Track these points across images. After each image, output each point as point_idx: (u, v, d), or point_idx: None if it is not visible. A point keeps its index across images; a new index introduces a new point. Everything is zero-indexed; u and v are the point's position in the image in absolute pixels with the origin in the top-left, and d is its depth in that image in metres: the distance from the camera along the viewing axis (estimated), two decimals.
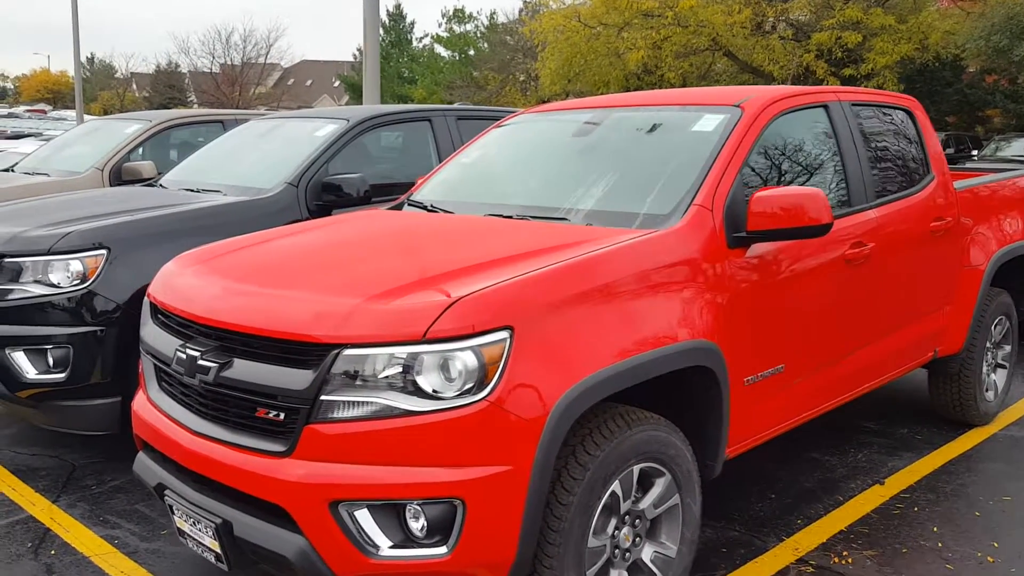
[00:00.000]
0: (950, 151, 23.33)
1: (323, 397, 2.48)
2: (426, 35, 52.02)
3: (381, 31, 52.53)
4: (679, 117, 3.75)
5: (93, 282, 4.28)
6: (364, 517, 2.48)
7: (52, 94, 70.54)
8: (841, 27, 24.50)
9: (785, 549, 3.63)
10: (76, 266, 4.29)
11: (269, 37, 73.23)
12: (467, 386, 2.43)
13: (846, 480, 4.35)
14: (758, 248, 3.29)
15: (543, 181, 3.82)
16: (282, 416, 2.59)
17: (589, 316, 2.67)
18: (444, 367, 2.44)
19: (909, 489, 4.24)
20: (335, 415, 2.48)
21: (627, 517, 2.84)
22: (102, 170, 6.85)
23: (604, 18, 28.50)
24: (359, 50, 55.32)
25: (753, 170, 3.46)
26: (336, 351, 2.47)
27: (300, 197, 5.06)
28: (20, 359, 4.30)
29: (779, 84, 25.48)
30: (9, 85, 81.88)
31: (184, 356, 2.82)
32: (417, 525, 2.48)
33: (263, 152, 5.73)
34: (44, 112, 39.56)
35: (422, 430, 2.43)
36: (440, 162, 5.71)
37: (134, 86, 70.33)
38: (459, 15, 48.69)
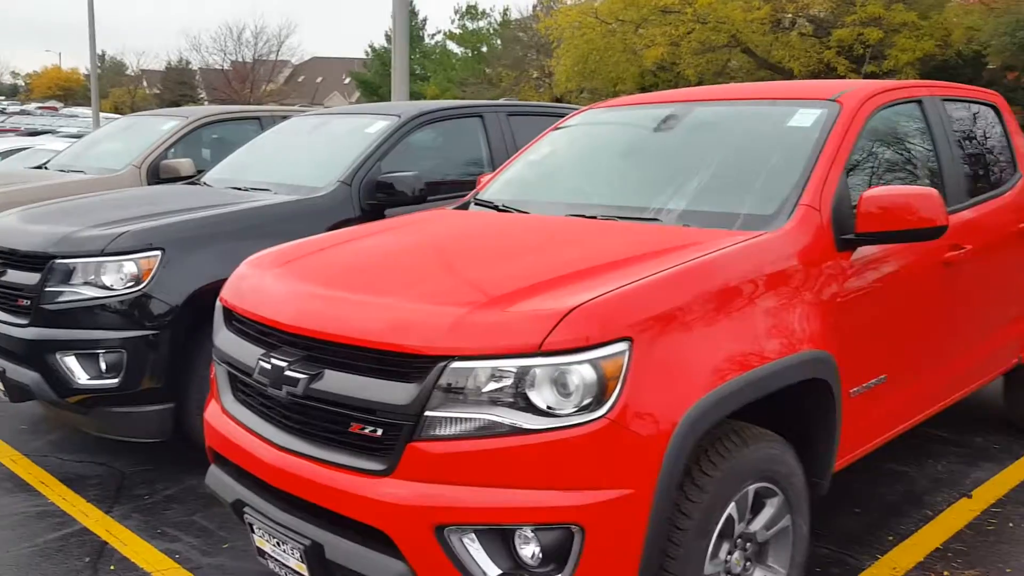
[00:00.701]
0: None
1: (428, 413, 2.31)
2: (438, 32, 51.81)
3: (393, 27, 52.45)
4: (770, 112, 3.56)
5: (147, 284, 4.12)
6: (471, 543, 2.31)
7: (63, 91, 70.57)
8: (862, 23, 24.26)
9: (882, 568, 3.45)
10: (130, 268, 4.12)
11: (280, 34, 73.08)
12: (585, 402, 2.25)
13: (930, 493, 4.16)
14: (863, 251, 3.10)
15: (626, 179, 3.64)
16: (380, 432, 2.41)
17: (708, 325, 2.49)
18: (559, 382, 2.26)
19: (999, 503, 4.05)
20: (440, 432, 2.31)
21: (738, 540, 2.66)
22: (140, 167, 6.69)
23: (621, 14, 28.32)
24: (371, 47, 55.12)
25: (855, 168, 3.27)
26: (442, 364, 2.29)
27: (353, 196, 4.89)
28: (71, 363, 4.14)
29: (796, 77, 25.27)
30: (20, 82, 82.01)
31: (269, 366, 2.65)
32: (528, 552, 2.30)
33: (312, 149, 5.55)
34: (56, 109, 39.53)
35: (535, 449, 2.25)
36: (491, 159, 5.54)
37: (145, 83, 70.37)
38: (472, 11, 48.49)
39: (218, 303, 3.16)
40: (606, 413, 2.24)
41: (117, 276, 4.13)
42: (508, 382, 2.27)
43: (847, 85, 3.54)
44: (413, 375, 2.34)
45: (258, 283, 2.98)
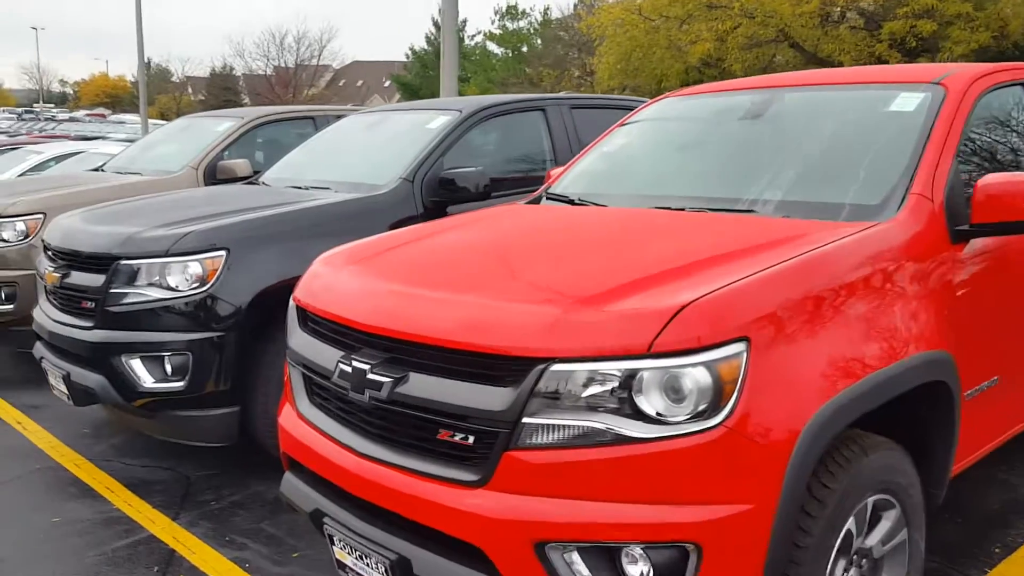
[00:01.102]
0: None
1: (525, 420, 2.15)
2: (479, 32, 51.75)
3: (432, 29, 52.58)
4: (866, 97, 3.35)
5: (213, 285, 4.02)
6: (574, 561, 2.14)
7: (110, 98, 71.85)
8: (915, 16, 23.69)
9: None
10: (195, 268, 4.03)
11: (322, 39, 73.65)
12: (699, 408, 2.07)
13: None
14: (976, 243, 2.89)
15: (713, 169, 3.45)
16: (471, 440, 2.26)
17: (827, 324, 2.29)
18: (671, 386, 2.08)
19: None
20: (539, 440, 2.15)
21: (855, 557, 2.46)
22: (196, 169, 6.63)
23: (665, 10, 27.98)
24: (411, 50, 55.36)
25: (965, 155, 3.05)
26: (542, 366, 2.13)
27: (416, 193, 4.75)
28: (137, 366, 4.06)
29: None
30: (69, 90, 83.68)
31: (349, 369, 2.51)
32: (636, 572, 2.12)
33: (371, 147, 5.43)
34: (103, 116, 40.19)
35: (644, 460, 2.08)
36: (554, 154, 5.38)
37: (189, 89, 71.44)
38: (512, 12, 48.39)
39: (292, 303, 3.03)
40: (723, 421, 2.06)
41: (182, 277, 4.04)
42: (614, 386, 2.10)
43: (947, 68, 3.32)
44: (508, 379, 2.18)
45: (334, 282, 2.85)
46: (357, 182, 4.89)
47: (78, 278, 4.30)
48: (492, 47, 49.39)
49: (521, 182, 5.37)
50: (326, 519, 2.64)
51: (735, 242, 2.62)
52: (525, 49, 46.56)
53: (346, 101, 63.69)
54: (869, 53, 25.18)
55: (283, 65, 60.97)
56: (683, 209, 3.13)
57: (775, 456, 2.10)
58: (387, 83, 67.17)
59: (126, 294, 4.09)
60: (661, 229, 2.95)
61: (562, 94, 6.48)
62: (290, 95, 57.27)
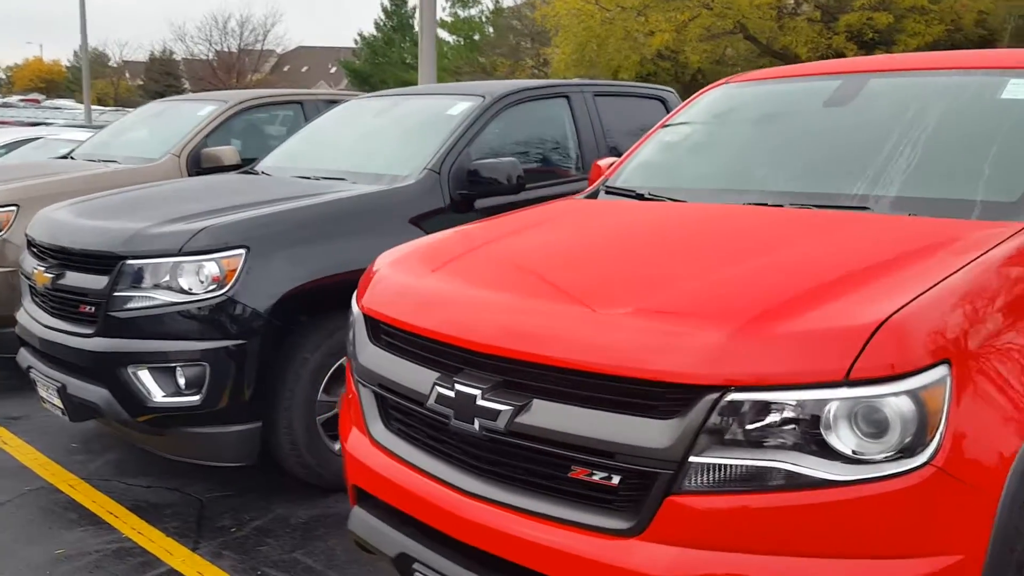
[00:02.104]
0: None
1: (693, 459, 1.82)
2: None
3: (382, 15, 51.71)
4: (970, 84, 3.08)
5: (231, 287, 3.61)
6: None
7: (45, 83, 69.28)
8: (871, 8, 23.92)
9: None
10: (212, 268, 3.61)
11: (266, 23, 72.24)
12: (903, 444, 1.77)
13: None
14: None
15: (803, 161, 3.14)
16: (616, 480, 1.93)
17: (1016, 340, 2.01)
18: (868, 418, 1.78)
19: None
20: (709, 483, 1.83)
21: None
22: (179, 156, 6.14)
23: (622, 1, 27.83)
24: (360, 36, 54.39)
25: None
26: (715, 396, 1.81)
27: (443, 185, 4.38)
28: (146, 379, 3.63)
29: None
30: (1, 75, 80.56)
31: (452, 394, 2.16)
32: None
33: (385, 135, 5.03)
34: (38, 101, 38.63)
35: (838, 507, 1.77)
36: (579, 143, 5.06)
37: (127, 75, 69.37)
38: None
39: (357, 313, 2.65)
40: (930, 459, 1.76)
41: (196, 278, 3.62)
42: (800, 419, 1.79)
43: None
44: (670, 410, 1.86)
45: (418, 291, 2.48)
46: (377, 173, 4.50)
47: (75, 280, 3.85)
48: (443, 35, 48.73)
49: (546, 174, 5.04)
50: (417, 566, 2.28)
51: (879, 246, 2.32)
52: (477, 37, 46.03)
53: (292, 87, 62.42)
54: (827, 46, 25.37)
55: (226, 50, 59.50)
56: (782, 205, 2.83)
57: (984, 496, 1.81)
58: (333, 69, 66.11)
59: (132, 297, 3.65)
60: (779, 230, 2.63)
61: (585, 80, 6.15)
62: (233, 80, 55.91)
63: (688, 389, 1.83)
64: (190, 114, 6.56)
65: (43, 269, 3.96)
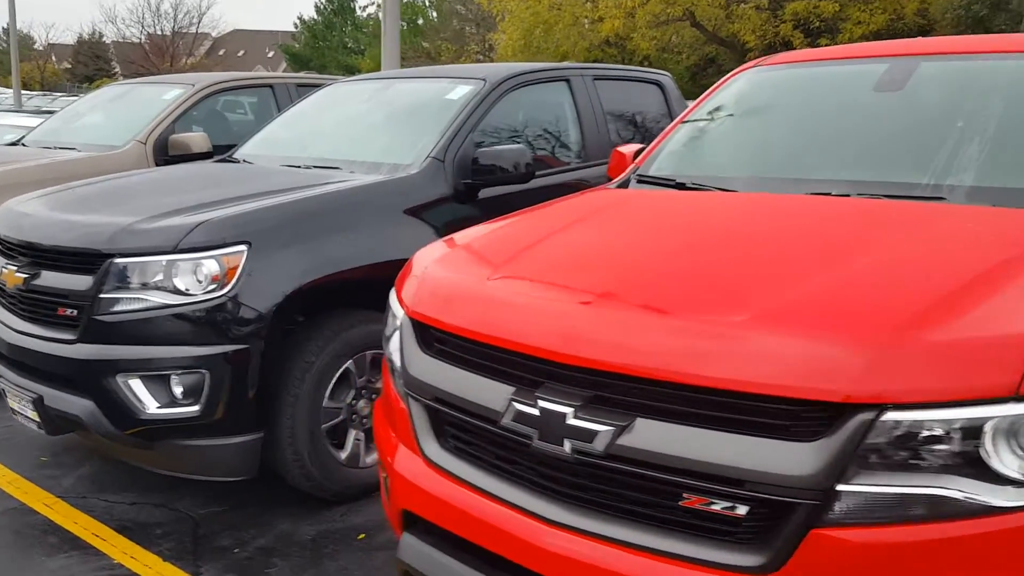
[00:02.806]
0: None
1: (843, 486, 1.61)
2: (371, 3, 50.16)
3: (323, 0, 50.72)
4: None
5: (233, 287, 3.30)
6: None
7: None
8: None
9: None
10: (211, 267, 3.29)
11: (200, 5, 70.39)
12: None
13: None
14: None
15: (862, 148, 2.95)
16: (743, 511, 1.71)
17: None
18: None
19: None
20: (859, 514, 1.62)
21: None
22: (145, 143, 5.73)
23: None
24: (300, 19, 53.31)
25: None
26: (869, 416, 1.59)
27: (448, 174, 4.11)
28: (138, 388, 3.30)
29: (752, 54, 25.14)
30: None
31: (536, 412, 1.91)
32: None
33: (378, 120, 4.73)
34: None
35: (1007, 536, 1.57)
36: (581, 128, 4.83)
37: (53, 58, 66.91)
38: None
39: (403, 317, 2.38)
40: None
41: (194, 278, 3.30)
42: (965, 440, 1.59)
43: None
44: (814, 431, 1.64)
45: (479, 294, 2.21)
46: (374, 162, 4.20)
47: (53, 280, 3.48)
48: None
49: (549, 162, 4.80)
50: None
51: (988, 241, 2.15)
52: (421, 22, 45.45)
53: (227, 71, 60.84)
54: (774, 34, 25.57)
55: (159, 33, 57.74)
56: (848, 195, 2.64)
57: None
58: (271, 53, 64.82)
59: (121, 300, 3.31)
60: (862, 223, 2.42)
61: (584, 64, 5.91)
62: (167, 64, 54.34)
63: (838, 408, 1.61)
64: (154, 98, 6.14)
65: (14, 269, 3.59)
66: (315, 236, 3.55)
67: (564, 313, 1.99)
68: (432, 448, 2.24)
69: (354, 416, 3.73)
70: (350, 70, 44.42)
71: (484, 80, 4.51)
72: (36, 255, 3.56)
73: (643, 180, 3.25)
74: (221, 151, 5.61)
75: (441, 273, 2.39)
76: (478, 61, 39.77)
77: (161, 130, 5.81)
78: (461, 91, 4.48)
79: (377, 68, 41.52)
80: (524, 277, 2.23)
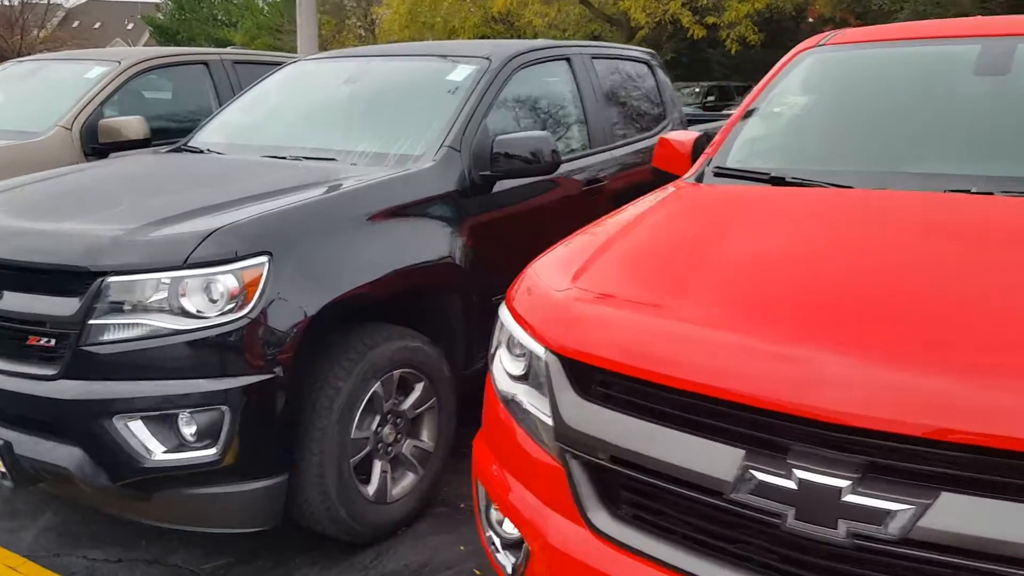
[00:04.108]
0: (710, 99, 23.92)
1: None
2: None
3: None
4: None
5: (255, 306, 2.77)
6: None
7: None
8: None
9: None
10: (228, 283, 2.75)
11: None
12: None
13: None
14: None
15: (983, 139, 2.68)
16: None
17: None
18: None
19: None
20: None
21: None
22: (70, 129, 4.98)
23: None
24: None
25: None
26: None
27: (465, 165, 3.66)
28: (140, 432, 2.74)
29: (642, 32, 25.33)
30: None
31: (790, 485, 1.54)
32: None
33: (368, 105, 4.18)
34: None
35: None
36: (584, 113, 4.46)
37: None
38: None
39: (543, 353, 1.95)
40: None
41: (206, 297, 2.75)
42: None
43: None
44: None
45: (663, 327, 1.81)
46: (377, 152, 3.70)
47: (20, 303, 2.85)
48: None
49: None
50: None
51: None
52: None
53: (84, 44, 57.08)
54: (663, 11, 25.75)
55: (5, 3, 53.59)
56: (991, 193, 2.37)
57: None
58: (131, 25, 61.28)
59: (116, 326, 2.72)
60: None
61: (583, 42, 5.50)
62: (16, 38, 50.49)
63: None
64: (73, 77, 5.37)
65: None
66: (340, 242, 3.05)
67: (814, 360, 1.61)
68: (601, 518, 1.83)
69: (379, 445, 3.27)
70: (222, 44, 42.29)
71: (489, 59, 4.05)
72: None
73: (722, 173, 2.91)
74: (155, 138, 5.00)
75: (597, 299, 1.97)
76: (360, 36, 38.67)
77: (88, 114, 5.07)
78: (464, 71, 4.01)
79: (252, 44, 39.63)
80: (716, 305, 1.84)
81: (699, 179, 2.96)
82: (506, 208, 3.84)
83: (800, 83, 3.22)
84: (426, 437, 3.47)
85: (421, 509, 3.46)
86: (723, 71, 28.56)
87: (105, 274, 2.71)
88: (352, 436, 3.10)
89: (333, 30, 37.60)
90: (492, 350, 2.28)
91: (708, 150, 3.09)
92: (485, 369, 3.74)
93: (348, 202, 3.18)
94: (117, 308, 2.72)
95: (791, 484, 1.54)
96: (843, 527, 1.49)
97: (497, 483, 2.13)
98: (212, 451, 2.76)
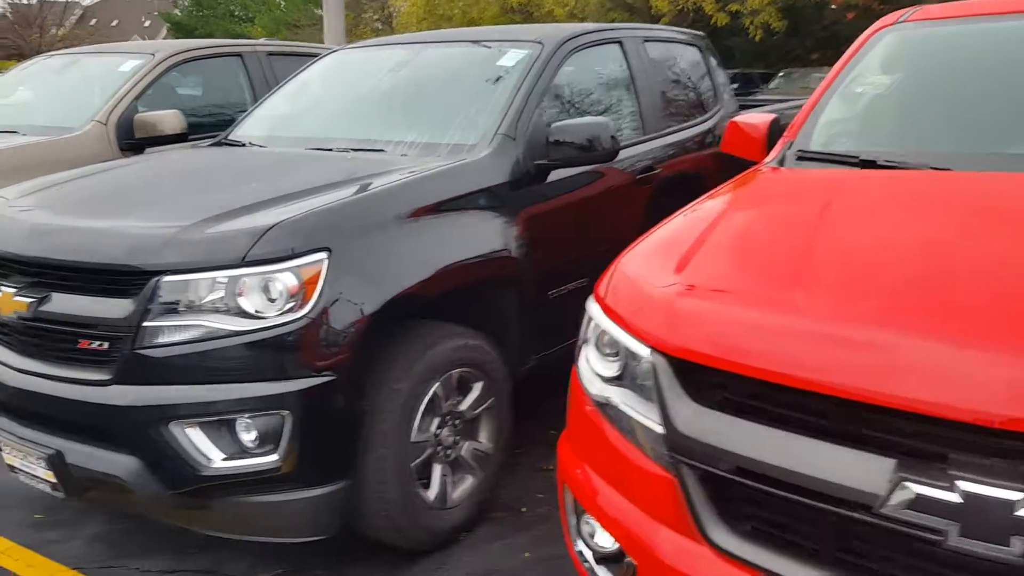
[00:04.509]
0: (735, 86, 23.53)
1: None
2: None
3: None
4: None
5: (316, 304, 2.62)
6: None
7: None
8: None
9: None
10: (287, 281, 2.60)
11: None
12: None
13: None
14: None
15: None
16: None
17: None
18: None
19: None
20: None
21: None
22: (106, 124, 4.87)
23: None
24: None
25: None
26: None
27: (521, 153, 3.50)
28: (197, 439, 2.61)
29: (664, 19, 25.05)
30: None
31: (953, 498, 1.37)
32: None
33: (414, 93, 4.03)
34: None
35: None
36: (637, 97, 4.29)
37: None
38: None
39: (645, 353, 1.79)
40: None
41: (265, 296, 2.61)
42: None
43: None
44: None
45: (794, 325, 1.65)
46: (427, 142, 3.55)
47: (70, 305, 2.72)
48: None
49: None
50: None
51: None
52: None
53: (100, 43, 57.33)
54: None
55: (23, 2, 53.89)
56: None
57: None
58: (148, 23, 61.52)
59: (172, 328, 2.59)
60: None
61: (634, 24, 5.33)
62: (35, 36, 50.80)
63: None
64: (107, 71, 5.25)
65: (12, 292, 2.79)
66: (398, 237, 2.91)
67: (980, 362, 1.43)
68: (722, 534, 1.67)
69: (439, 448, 3.12)
70: (240, 38, 42.30)
71: (540, 43, 3.89)
72: (43, 273, 2.78)
73: (806, 157, 2.74)
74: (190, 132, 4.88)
75: (710, 293, 1.81)
76: (377, 29, 38.59)
77: (123, 108, 4.96)
78: (516, 57, 3.85)
79: (269, 36, 39.64)
80: (851, 300, 1.67)
81: (780, 163, 2.79)
82: (561, 198, 3.68)
83: (880, 62, 3.04)
84: (484, 438, 3.33)
85: (480, 514, 3.32)
86: (746, 59, 28.23)
87: (160, 273, 2.57)
88: (412, 439, 2.96)
89: (350, 23, 37.47)
90: (578, 347, 2.12)
91: (787, 133, 2.91)
92: (538, 368, 3.65)
93: (405, 194, 3.03)
94: (172, 309, 2.58)
95: (955, 497, 1.38)
96: (1018, 544, 1.33)
97: (589, 491, 1.98)
98: (272, 457, 2.63)
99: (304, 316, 2.61)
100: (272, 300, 2.61)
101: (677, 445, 1.71)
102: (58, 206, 3.03)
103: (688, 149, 4.49)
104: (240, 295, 2.59)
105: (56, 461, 2.73)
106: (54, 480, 2.78)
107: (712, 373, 1.69)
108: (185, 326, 2.58)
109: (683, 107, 4.66)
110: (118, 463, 2.65)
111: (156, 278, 2.57)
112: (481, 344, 3.21)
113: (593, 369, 2.00)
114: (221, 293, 2.59)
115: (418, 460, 3.02)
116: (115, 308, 2.62)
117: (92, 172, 3.54)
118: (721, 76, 5.08)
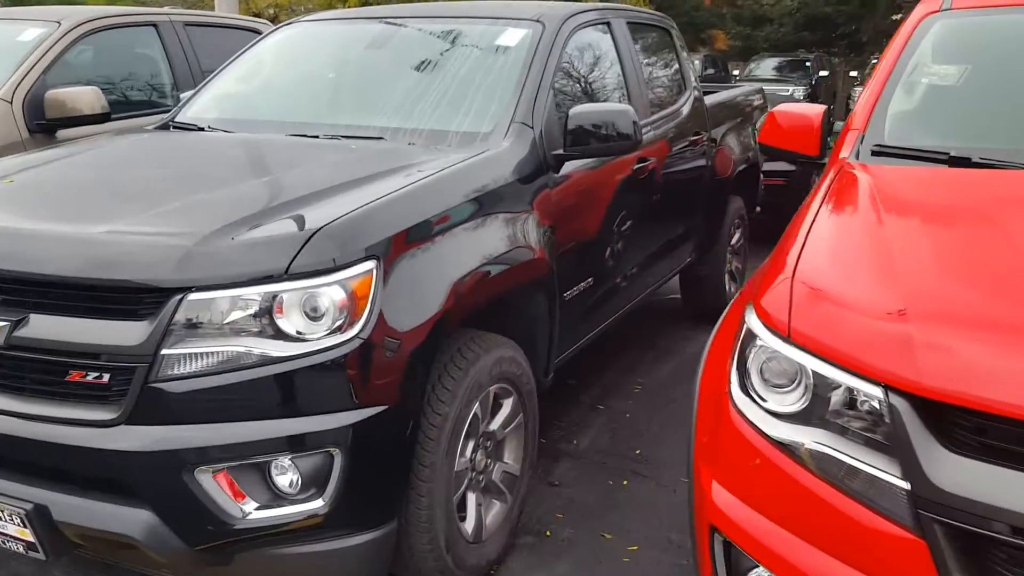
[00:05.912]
0: (710, 71, 23.94)
1: None
2: None
3: None
4: None
5: (366, 322, 2.23)
6: None
7: None
8: None
9: None
10: (335, 296, 2.20)
11: None
12: None
13: None
14: None
15: None
16: None
17: None
18: None
19: None
20: None
21: None
22: (11, 102, 4.18)
23: None
24: None
25: None
26: None
27: (537, 144, 3.18)
28: (226, 486, 2.17)
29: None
30: None
31: None
32: None
33: (405, 74, 3.59)
34: None
35: None
36: (625, 83, 4.06)
37: None
38: None
39: (885, 393, 1.53)
40: None
41: (307, 315, 2.19)
42: None
43: None
44: None
45: None
46: (434, 129, 3.18)
47: (60, 330, 2.20)
48: None
49: None
50: None
51: None
52: None
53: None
54: None
55: None
56: None
57: None
58: None
59: (196, 355, 2.14)
60: None
61: (616, 4, 5.03)
62: None
63: None
64: (4, 41, 4.53)
65: None
66: (444, 241, 2.55)
67: None
68: None
69: (472, 474, 2.80)
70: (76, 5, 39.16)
71: (540, 21, 3.56)
72: (22, 292, 2.25)
73: (883, 152, 2.56)
74: None
75: (949, 323, 1.55)
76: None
77: (30, 84, 4.28)
78: (517, 36, 3.51)
79: (113, 2, 37.24)
80: None
81: (856, 158, 2.60)
82: (576, 191, 3.39)
83: (933, 51, 2.90)
84: (510, 459, 3.02)
85: (511, 542, 3.02)
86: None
87: (184, 291, 2.11)
88: (457, 470, 2.63)
89: None
90: (732, 373, 1.84)
91: (856, 125, 2.72)
92: (558, 378, 3.34)
93: (449, 191, 2.66)
94: (198, 332, 2.13)
95: None
96: None
97: (775, 545, 1.70)
98: (317, 503, 2.23)
99: (355, 336, 2.21)
100: (316, 319, 2.20)
101: (932, 503, 1.46)
102: (28, 208, 2.48)
103: (670, 136, 4.29)
104: (279, 314, 2.17)
105: (35, 518, 2.22)
106: (30, 539, 2.27)
107: (966, 415, 1.45)
108: (213, 352, 2.14)
109: (660, 92, 4.44)
110: (127, 519, 2.18)
111: (179, 296, 2.11)
112: (515, 355, 2.89)
113: (761, 402, 1.73)
114: (255, 311, 2.16)
115: (459, 492, 2.69)
116: (121, 333, 2.14)
117: (37, 163, 2.96)
118: (687, 60, 4.89)
